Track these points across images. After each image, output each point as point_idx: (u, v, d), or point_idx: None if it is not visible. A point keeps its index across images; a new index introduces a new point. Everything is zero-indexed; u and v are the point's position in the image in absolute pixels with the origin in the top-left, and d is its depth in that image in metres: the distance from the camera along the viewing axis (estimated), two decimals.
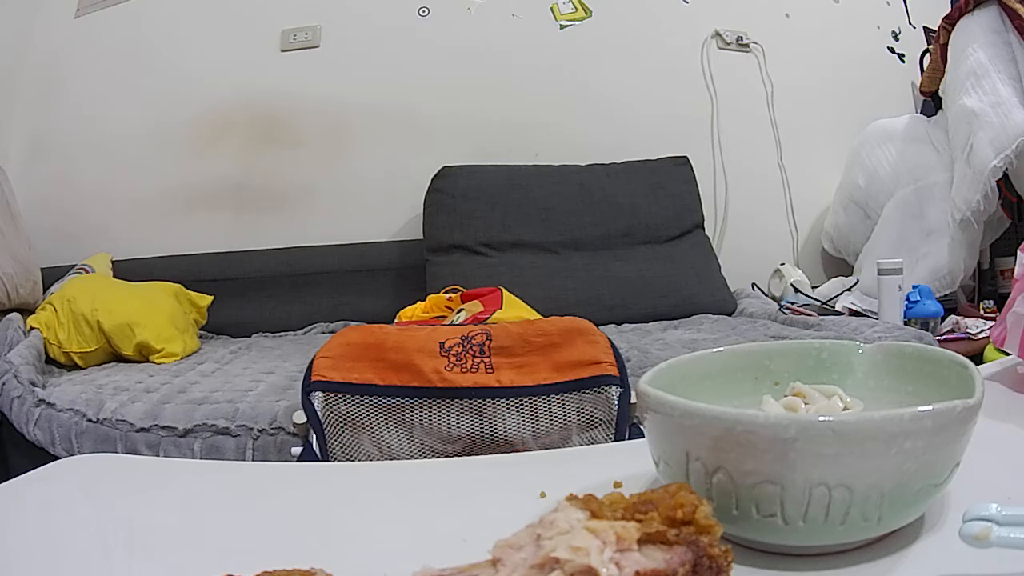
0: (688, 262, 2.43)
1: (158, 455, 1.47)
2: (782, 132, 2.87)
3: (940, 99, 2.65)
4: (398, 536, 0.44)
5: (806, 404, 0.45)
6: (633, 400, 1.02)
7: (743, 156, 2.85)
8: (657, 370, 0.45)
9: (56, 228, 2.53)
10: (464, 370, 1.02)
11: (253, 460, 1.45)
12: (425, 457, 1.01)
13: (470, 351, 1.04)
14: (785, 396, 0.47)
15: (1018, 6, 2.29)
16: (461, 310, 1.61)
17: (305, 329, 2.44)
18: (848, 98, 2.96)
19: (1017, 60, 2.28)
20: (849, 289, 2.49)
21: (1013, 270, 0.67)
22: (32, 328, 1.96)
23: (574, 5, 2.81)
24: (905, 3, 3.13)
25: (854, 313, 2.28)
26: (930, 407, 0.34)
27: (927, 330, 2.01)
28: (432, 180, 2.48)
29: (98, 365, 1.98)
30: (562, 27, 2.80)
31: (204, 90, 2.67)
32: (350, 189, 2.70)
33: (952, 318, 2.27)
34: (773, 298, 2.56)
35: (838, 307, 2.36)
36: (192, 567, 0.41)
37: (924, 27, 3.12)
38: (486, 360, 1.03)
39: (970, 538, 0.32)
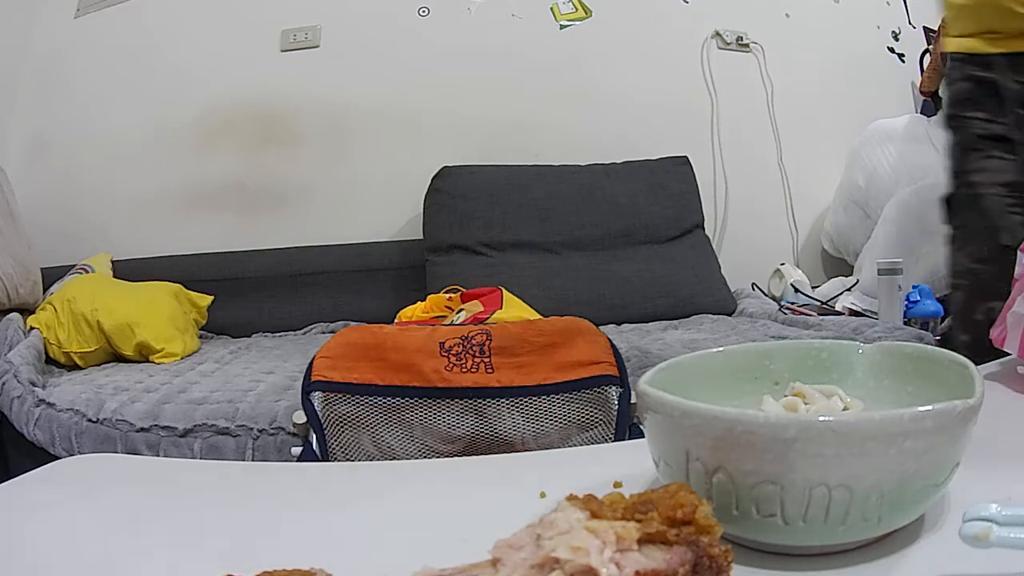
0: (688, 262, 2.43)
1: (158, 455, 1.47)
2: (782, 132, 2.87)
3: (940, 99, 2.64)
4: (398, 536, 0.44)
5: (806, 404, 0.45)
6: (633, 400, 1.02)
7: (743, 156, 2.85)
8: (657, 370, 0.45)
9: (56, 228, 2.53)
10: (464, 370, 1.02)
11: (253, 460, 1.45)
12: (425, 457, 1.01)
13: (470, 351, 1.04)
14: (785, 396, 0.47)
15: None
16: (461, 310, 1.61)
17: (305, 329, 2.44)
18: (848, 98, 2.96)
19: None
20: (849, 289, 2.49)
21: (1013, 270, 0.67)
22: (32, 328, 1.96)
23: (574, 5, 2.81)
24: (905, 3, 3.13)
25: (854, 313, 2.28)
26: (930, 407, 0.34)
27: (927, 330, 2.01)
28: (432, 180, 2.48)
29: (98, 365, 1.98)
30: (562, 27, 2.80)
31: (204, 90, 2.67)
32: (350, 189, 2.69)
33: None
34: (773, 298, 2.56)
35: (838, 307, 2.35)
36: (192, 567, 0.41)
37: (924, 27, 3.12)
38: (486, 360, 1.03)
39: (970, 538, 0.32)
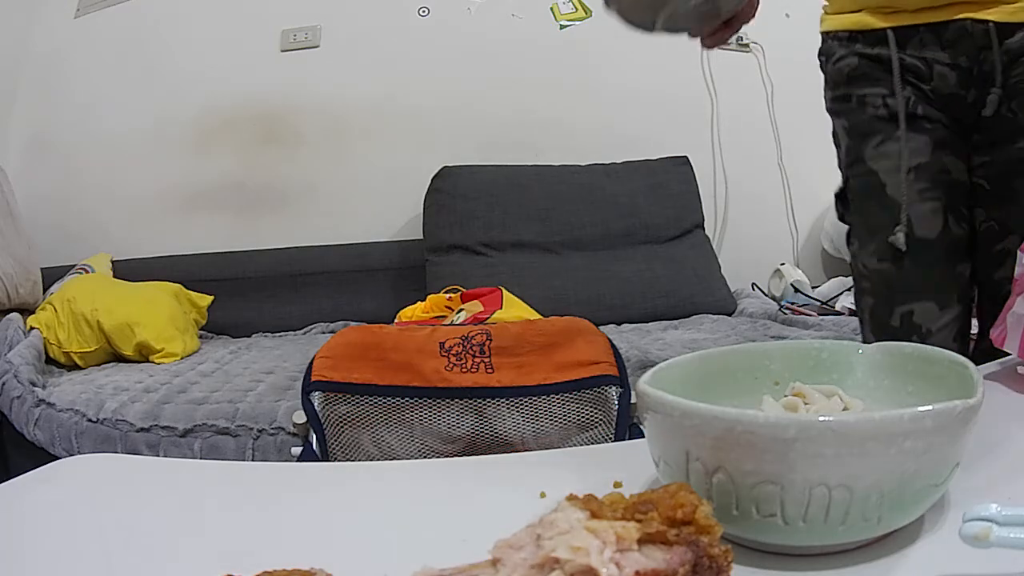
0: (688, 262, 2.43)
1: (158, 455, 1.47)
2: (782, 132, 2.87)
3: None
4: (398, 536, 0.44)
5: (806, 404, 0.45)
6: (633, 400, 1.02)
7: (743, 156, 2.85)
8: (657, 370, 0.45)
9: (56, 228, 2.53)
10: (464, 370, 1.02)
11: (253, 460, 1.45)
12: (425, 457, 1.01)
13: (470, 351, 1.04)
14: (785, 396, 0.47)
15: None
16: (461, 310, 1.61)
17: (305, 329, 2.44)
18: None
19: None
20: (849, 289, 2.49)
21: (1013, 270, 0.67)
22: (32, 328, 1.96)
23: (574, 5, 2.81)
24: None
25: (854, 313, 2.28)
26: (930, 407, 0.34)
27: None
28: (432, 180, 2.48)
29: (98, 365, 1.98)
30: (562, 27, 2.80)
31: (204, 90, 2.67)
32: (350, 189, 2.69)
33: None
34: (773, 298, 2.56)
35: (838, 307, 2.35)
36: (192, 567, 0.41)
37: None
38: (486, 360, 1.03)
39: (970, 538, 0.32)
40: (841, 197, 1.02)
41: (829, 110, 1.02)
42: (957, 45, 0.90)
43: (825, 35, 1.02)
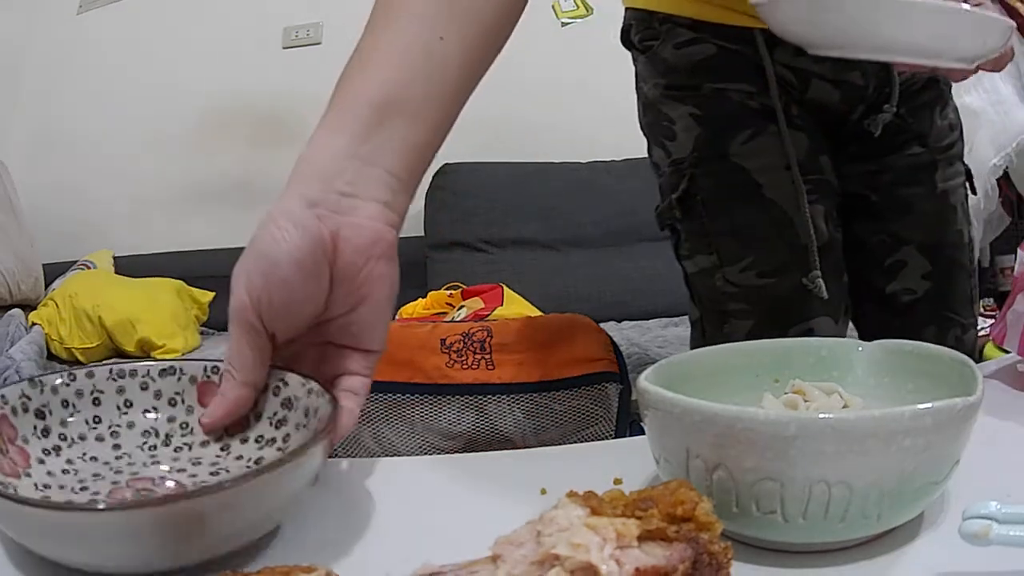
0: None
1: None
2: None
3: None
4: (398, 534, 0.44)
5: (806, 401, 0.45)
6: (633, 397, 1.02)
7: None
8: (657, 367, 0.45)
9: (58, 224, 2.53)
10: (465, 367, 1.02)
11: None
12: (426, 453, 1.01)
13: (471, 348, 1.04)
14: (785, 393, 0.47)
15: (1019, 5, 2.29)
16: (462, 307, 1.61)
17: None
18: None
19: (1017, 59, 2.28)
20: None
21: (1013, 268, 0.67)
22: (34, 324, 1.96)
23: (575, 3, 2.81)
24: None
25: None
26: (930, 405, 0.34)
27: None
28: (433, 177, 2.48)
29: (99, 361, 1.98)
30: (563, 24, 2.80)
31: (206, 87, 2.67)
32: None
33: None
34: None
35: None
36: (192, 567, 0.41)
37: None
38: (487, 357, 1.03)
39: (970, 536, 0.32)
40: (681, 203, 0.84)
41: (662, 96, 0.85)
42: (851, 61, 0.78)
43: (648, 13, 0.85)
